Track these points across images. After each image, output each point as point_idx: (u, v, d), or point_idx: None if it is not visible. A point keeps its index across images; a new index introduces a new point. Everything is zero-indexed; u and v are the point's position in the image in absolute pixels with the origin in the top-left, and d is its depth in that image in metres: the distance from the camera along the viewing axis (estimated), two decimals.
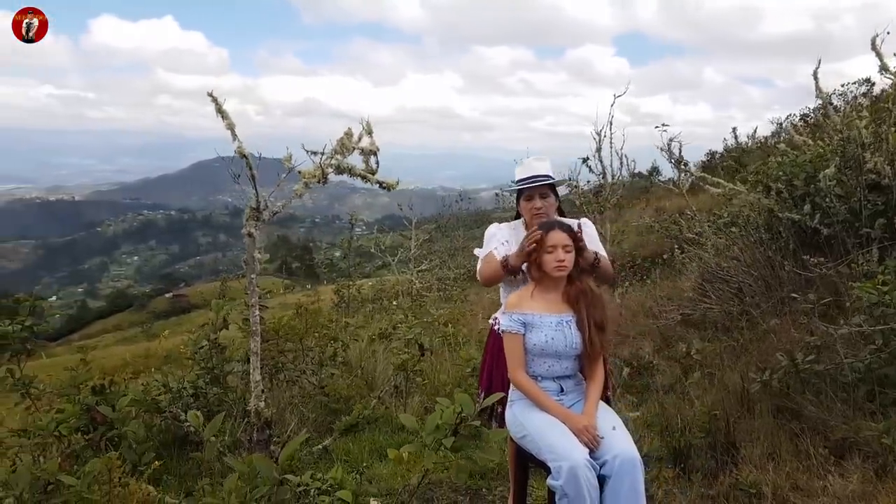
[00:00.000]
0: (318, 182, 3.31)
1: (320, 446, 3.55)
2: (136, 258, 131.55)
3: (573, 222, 3.00)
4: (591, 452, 2.38)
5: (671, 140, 9.00)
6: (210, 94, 2.87)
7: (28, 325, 3.69)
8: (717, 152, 17.76)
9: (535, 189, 2.92)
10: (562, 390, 2.60)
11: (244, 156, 2.93)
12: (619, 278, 9.33)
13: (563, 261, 2.55)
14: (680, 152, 9.19)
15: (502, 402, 2.66)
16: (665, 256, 9.32)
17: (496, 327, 2.94)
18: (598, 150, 9.80)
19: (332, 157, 3.33)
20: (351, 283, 8.33)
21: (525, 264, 2.68)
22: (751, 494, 2.86)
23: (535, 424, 2.48)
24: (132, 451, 3.00)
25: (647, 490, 3.10)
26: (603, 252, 2.95)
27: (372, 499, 2.78)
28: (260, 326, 3.18)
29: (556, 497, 2.30)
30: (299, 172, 3.32)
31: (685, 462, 3.41)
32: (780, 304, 4.98)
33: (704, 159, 17.89)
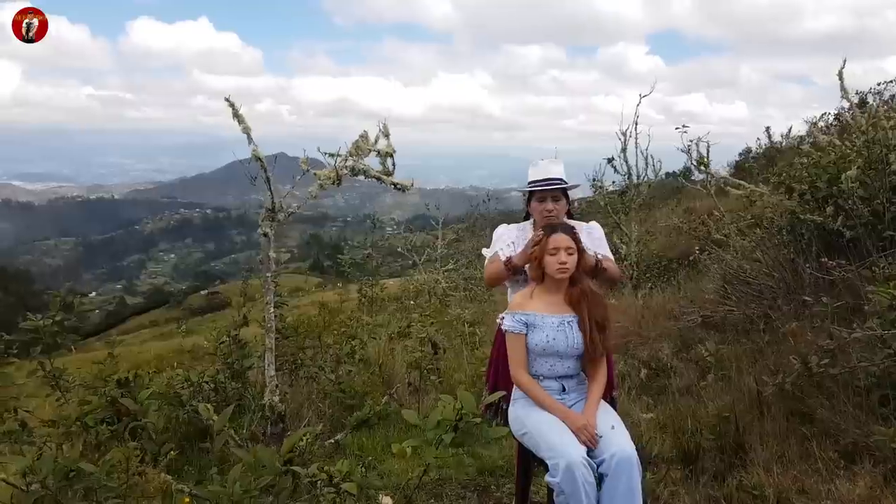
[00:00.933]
0: (333, 183, 3.40)
1: (332, 440, 3.65)
2: (172, 256, 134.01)
3: (581, 225, 3.04)
4: (590, 451, 2.42)
5: (698, 140, 8.92)
6: (227, 100, 2.98)
7: (58, 319, 3.86)
8: (749, 152, 17.50)
9: (549, 192, 2.96)
10: (564, 389, 2.64)
11: (259, 158, 3.03)
12: (642, 280, 9.30)
13: (566, 263, 2.59)
14: (708, 152, 9.11)
15: (508, 400, 2.72)
16: (691, 258, 9.26)
17: (503, 326, 2.99)
18: (624, 150, 9.78)
19: (346, 160, 3.41)
20: (374, 282, 8.43)
21: (527, 265, 2.73)
22: (754, 496, 2.87)
23: (534, 422, 2.53)
24: (152, 442, 3.12)
25: (653, 491, 3.14)
26: (609, 255, 2.98)
27: (382, 494, 2.85)
28: (275, 323, 3.28)
29: (554, 494, 2.35)
30: (315, 174, 3.41)
31: (694, 463, 3.42)
32: (800, 306, 4.93)
33: (737, 159, 17.63)
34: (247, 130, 3.01)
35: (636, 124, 9.38)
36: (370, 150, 3.69)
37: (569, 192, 3.06)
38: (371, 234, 10.47)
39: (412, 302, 7.68)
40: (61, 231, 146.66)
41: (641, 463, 2.46)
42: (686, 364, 5.25)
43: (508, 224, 3.14)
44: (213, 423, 2.53)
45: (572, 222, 3.00)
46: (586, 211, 11.15)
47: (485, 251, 3.10)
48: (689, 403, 4.34)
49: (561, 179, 2.98)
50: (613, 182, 9.98)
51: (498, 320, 3.12)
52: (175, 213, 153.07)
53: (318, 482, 2.51)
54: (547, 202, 2.95)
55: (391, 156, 3.89)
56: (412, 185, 3.80)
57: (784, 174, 5.46)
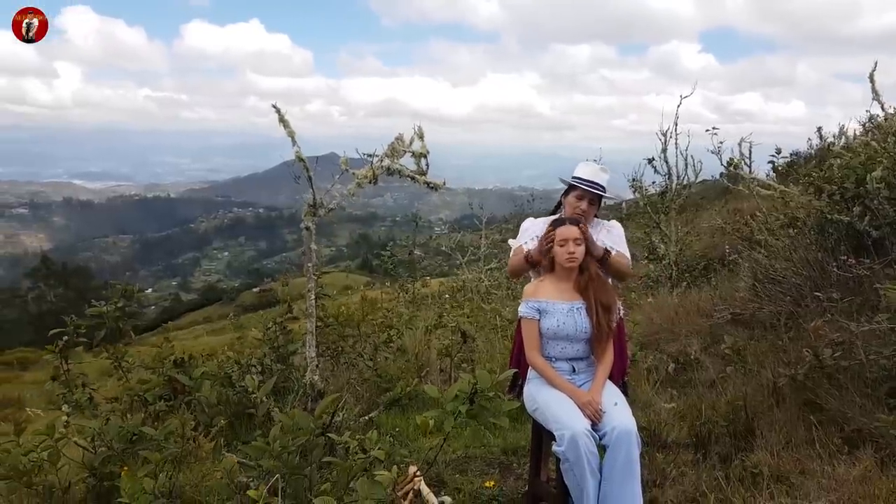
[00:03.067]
0: (370, 182, 3.69)
1: (366, 417, 3.95)
2: (226, 254, 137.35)
3: (602, 222, 3.26)
4: (594, 425, 2.66)
5: (741, 140, 8.92)
6: (274, 106, 3.30)
7: (120, 306, 4.26)
8: (799, 152, 17.21)
9: (589, 193, 3.11)
10: (574, 370, 2.88)
11: (301, 159, 3.35)
12: (681, 279, 9.37)
13: (574, 253, 2.83)
14: (750, 153, 9.12)
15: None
16: (731, 258, 9.28)
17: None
18: (664, 150, 9.85)
19: (382, 160, 3.70)
20: (414, 280, 8.74)
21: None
22: (754, 474, 3.05)
23: (545, 399, 2.78)
24: (204, 414, 3.47)
25: (663, 470, 3.35)
26: (625, 251, 3.17)
27: (412, 466, 3.13)
28: (316, 310, 3.59)
29: (560, 462, 2.60)
30: (353, 174, 3.71)
31: (706, 448, 3.61)
32: (826, 303, 5.03)
33: (787, 159, 17.34)
34: (291, 134, 3.33)
35: (676, 125, 9.44)
36: (405, 152, 3.97)
37: (603, 201, 3.24)
38: (414, 234, 10.76)
39: (447, 296, 7.95)
40: (119, 229, 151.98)
41: (644, 441, 2.68)
42: (712, 359, 5.39)
43: (535, 218, 3.35)
44: (256, 393, 2.85)
45: (594, 219, 3.21)
46: (629, 212, 11.22)
47: (511, 242, 3.32)
48: (710, 394, 4.51)
49: (604, 188, 3.15)
50: (653, 182, 10.05)
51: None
52: (228, 212, 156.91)
53: (351, 448, 2.82)
54: (583, 202, 3.11)
55: (425, 156, 4.16)
56: (444, 183, 4.06)
57: (814, 174, 5.55)
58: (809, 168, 5.82)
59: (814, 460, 3.15)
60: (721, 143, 7.35)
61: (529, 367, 2.96)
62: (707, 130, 7.53)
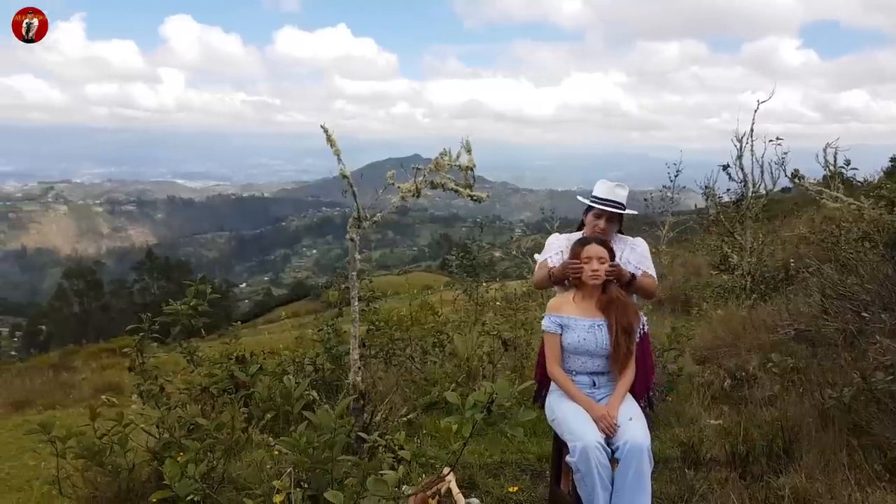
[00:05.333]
0: (414, 196, 3.88)
1: (404, 419, 4.14)
2: (314, 251, 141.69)
3: (627, 239, 3.32)
4: (608, 438, 2.74)
5: (826, 146, 8.55)
6: (322, 127, 3.53)
7: (193, 305, 4.63)
8: None
9: (608, 212, 3.19)
10: (594, 384, 2.96)
11: (345, 176, 3.57)
12: (754, 291, 9.08)
13: (597, 270, 2.92)
14: (835, 160, 8.72)
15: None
16: (810, 270, 8.92)
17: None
18: (739, 157, 9.54)
19: (426, 175, 3.88)
20: (478, 282, 8.88)
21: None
22: (779, 496, 3.03)
23: (563, 411, 2.88)
24: (257, 408, 3.75)
25: (693, 486, 3.37)
26: (651, 269, 3.22)
27: (446, 467, 3.30)
28: (359, 314, 3.81)
29: (573, 472, 2.70)
30: (398, 187, 3.91)
31: (743, 466, 3.59)
32: (892, 323, 4.83)
33: (889, 165, 16.37)
34: (337, 153, 3.54)
35: (752, 131, 9.13)
36: (450, 166, 4.14)
37: (624, 217, 3.31)
38: (481, 235, 10.89)
39: (497, 303, 8.06)
40: (217, 226, 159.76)
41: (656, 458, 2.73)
42: (770, 376, 5.27)
43: (560, 234, 3.46)
44: (293, 391, 3.10)
45: (618, 236, 3.28)
46: (698, 221, 10.91)
47: (537, 256, 3.44)
48: (759, 413, 4.44)
49: (622, 204, 3.22)
50: (728, 190, 9.75)
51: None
52: (318, 212, 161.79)
53: (380, 447, 3.02)
54: (601, 220, 3.19)
55: (471, 169, 4.31)
56: (487, 196, 4.19)
57: (886, 187, 5.34)
58: (881, 181, 5.58)
59: (849, 485, 3.10)
60: (786, 153, 7.11)
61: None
62: (770, 141, 7.29)
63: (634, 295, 3.16)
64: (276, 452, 3.07)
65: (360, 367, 3.69)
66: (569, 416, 2.83)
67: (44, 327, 52.99)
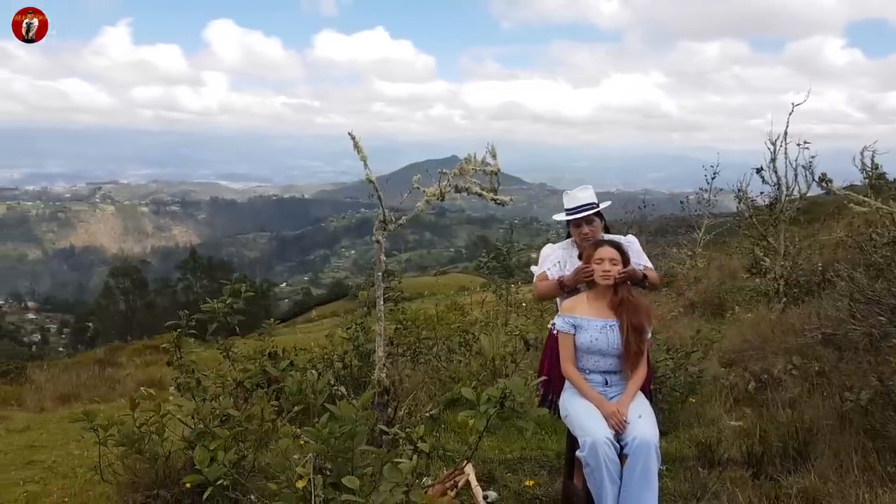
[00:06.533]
0: (438, 199, 4.03)
1: (427, 414, 4.29)
2: (353, 252, 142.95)
3: (619, 237, 3.42)
4: (618, 435, 2.84)
5: (864, 149, 8.42)
6: (350, 134, 3.70)
7: (229, 303, 4.85)
8: None
9: (583, 217, 3.34)
10: (606, 383, 3.07)
11: (371, 181, 3.74)
12: (787, 294, 8.99)
13: (609, 271, 3.03)
14: (873, 164, 8.59)
15: (556, 393, 3.21)
16: (840, 273, 8.80)
17: (554, 331, 3.43)
18: (773, 160, 9.44)
19: (450, 180, 4.03)
20: (508, 283, 8.98)
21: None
22: (788, 495, 3.09)
23: (575, 408, 2.99)
24: (288, 402, 3.94)
25: (706, 484, 3.45)
26: (648, 263, 3.34)
27: (469, 464, 3.44)
28: (386, 314, 3.97)
29: (583, 466, 2.81)
30: (424, 191, 4.06)
31: (758, 466, 3.64)
32: None
33: None
34: (364, 159, 3.71)
35: (786, 133, 9.03)
36: (474, 170, 4.27)
37: (601, 212, 3.40)
38: (515, 237, 10.97)
39: (524, 304, 8.15)
40: (259, 226, 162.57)
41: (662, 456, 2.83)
42: (794, 379, 5.28)
43: (554, 244, 3.56)
44: (315, 384, 3.27)
45: (608, 236, 3.37)
46: (735, 223, 10.80)
47: (533, 268, 3.55)
48: (781, 415, 4.47)
49: (590, 204, 3.34)
50: (762, 193, 9.66)
51: (549, 326, 3.56)
52: (356, 213, 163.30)
53: (400, 440, 3.17)
54: (582, 227, 3.34)
55: (496, 174, 4.44)
56: (510, 200, 4.32)
57: None
58: None
59: (860, 486, 3.14)
60: (814, 156, 7.05)
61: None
62: (798, 145, 7.24)
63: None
64: (302, 443, 3.25)
65: (385, 364, 3.86)
66: (580, 412, 2.94)
67: (91, 324, 54.77)
